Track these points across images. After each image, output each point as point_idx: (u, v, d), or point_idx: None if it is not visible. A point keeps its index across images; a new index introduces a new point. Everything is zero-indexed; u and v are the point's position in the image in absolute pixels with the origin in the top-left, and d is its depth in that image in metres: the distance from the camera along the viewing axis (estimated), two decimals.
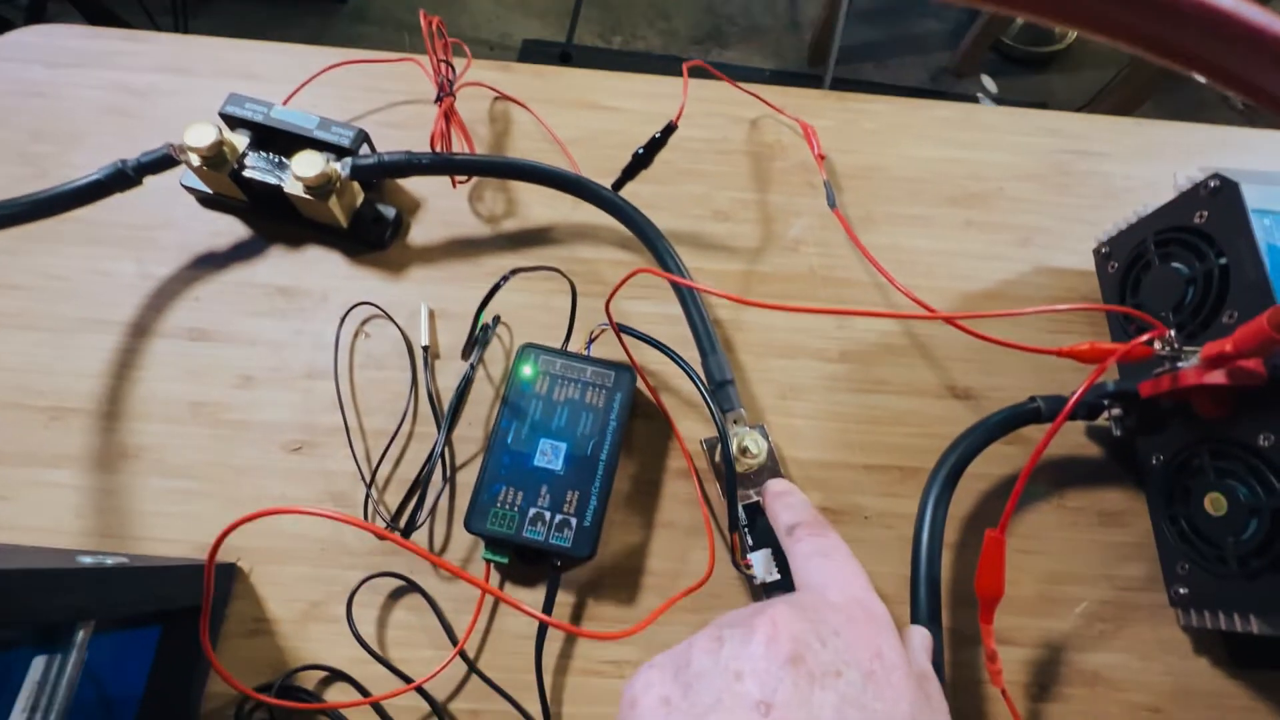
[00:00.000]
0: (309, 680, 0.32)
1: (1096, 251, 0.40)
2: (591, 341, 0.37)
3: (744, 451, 0.33)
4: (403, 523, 0.34)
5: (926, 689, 0.22)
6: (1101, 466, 0.38)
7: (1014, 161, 0.45)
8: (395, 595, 0.33)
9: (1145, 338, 0.29)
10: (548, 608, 0.32)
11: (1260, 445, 0.30)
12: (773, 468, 0.35)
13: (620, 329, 0.35)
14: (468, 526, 0.32)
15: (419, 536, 0.34)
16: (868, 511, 0.36)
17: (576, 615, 0.34)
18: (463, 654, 0.32)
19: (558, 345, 0.36)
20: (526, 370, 0.35)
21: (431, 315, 0.39)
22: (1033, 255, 0.43)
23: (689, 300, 0.36)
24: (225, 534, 0.25)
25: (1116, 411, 0.35)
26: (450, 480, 0.36)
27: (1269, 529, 0.29)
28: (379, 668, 0.32)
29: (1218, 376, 0.29)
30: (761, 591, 0.32)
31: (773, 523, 0.30)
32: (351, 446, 0.35)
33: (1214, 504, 0.31)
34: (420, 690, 0.31)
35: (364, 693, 0.31)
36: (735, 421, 0.35)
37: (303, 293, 0.39)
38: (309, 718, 0.31)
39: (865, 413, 0.38)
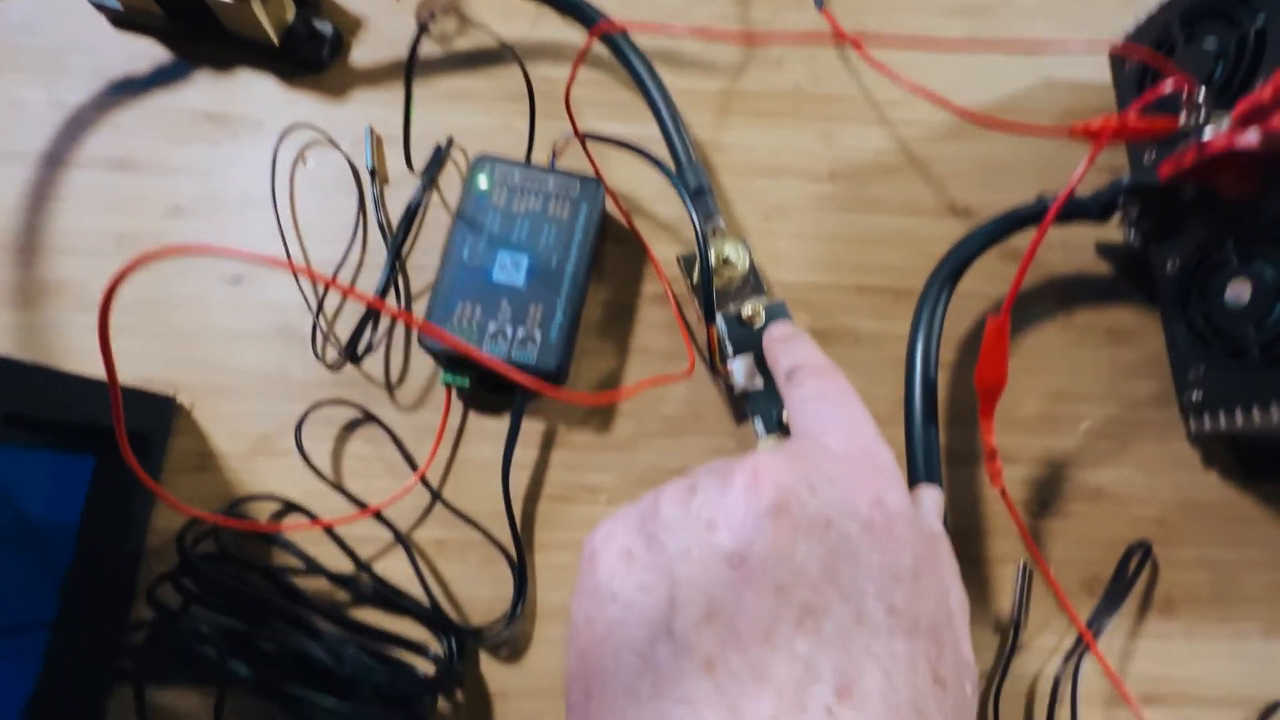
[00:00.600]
0: (260, 514, 0.30)
1: (1112, 55, 0.36)
2: (556, 156, 0.33)
3: (724, 262, 0.30)
4: (358, 351, 0.31)
5: (935, 548, 0.18)
6: (1112, 283, 0.35)
7: None
8: (350, 427, 0.31)
9: (1170, 86, 0.26)
10: (513, 429, 0.29)
11: None
12: (755, 284, 0.32)
13: (586, 135, 0.31)
14: (420, 341, 0.29)
15: (374, 368, 0.32)
16: (859, 334, 0.34)
17: (547, 442, 0.31)
18: (424, 481, 0.30)
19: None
20: (482, 182, 0.31)
21: (377, 139, 0.35)
22: (1043, 67, 0.39)
23: (660, 104, 0.33)
24: (116, 283, 0.22)
25: (1132, 211, 0.32)
26: (406, 310, 0.33)
27: None
28: (335, 499, 0.30)
29: (1250, 139, 0.26)
30: (744, 404, 0.30)
31: (772, 369, 0.27)
32: (296, 276, 0.32)
33: (1236, 291, 0.29)
34: (379, 516, 0.29)
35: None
36: (714, 232, 0.31)
37: (234, 118, 0.35)
38: (261, 549, 0.29)
39: (856, 233, 0.35)
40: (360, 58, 0.37)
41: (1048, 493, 0.32)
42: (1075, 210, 0.31)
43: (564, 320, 0.30)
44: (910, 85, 0.31)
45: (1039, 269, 0.35)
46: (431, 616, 0.28)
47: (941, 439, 0.32)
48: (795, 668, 0.13)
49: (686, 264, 0.33)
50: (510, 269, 0.30)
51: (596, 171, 0.32)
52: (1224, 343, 0.30)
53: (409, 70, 0.32)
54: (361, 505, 0.29)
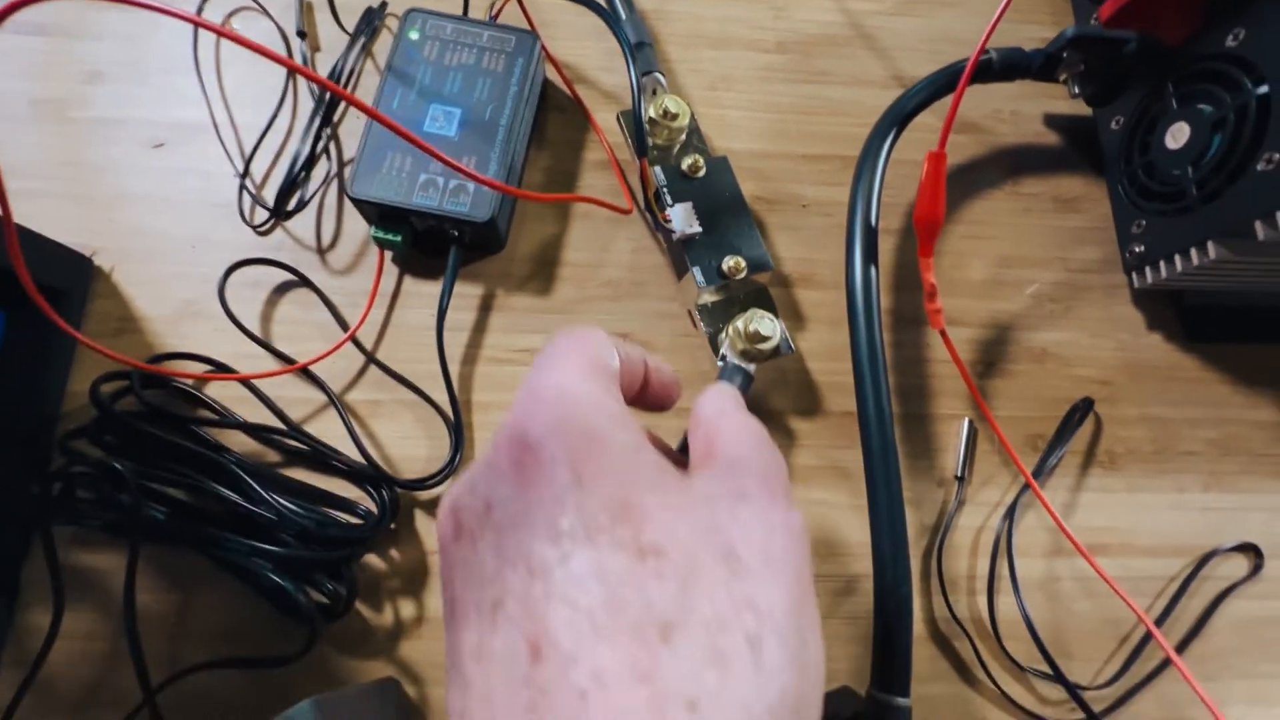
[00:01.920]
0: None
1: None
2: (494, 16, 0.32)
3: (664, 114, 0.30)
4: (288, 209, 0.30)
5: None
6: (1059, 153, 0.35)
7: None
8: (280, 289, 0.30)
9: None
10: (448, 283, 0.29)
11: (1229, 48, 0.26)
12: (698, 142, 0.31)
13: None
14: (350, 192, 0.28)
15: (304, 231, 0.31)
16: (805, 199, 0.33)
17: (485, 305, 0.31)
18: (356, 341, 0.29)
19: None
20: (413, 35, 0.30)
21: (307, 3, 0.33)
22: None
23: None
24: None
25: (1077, 67, 0.31)
26: (338, 176, 0.32)
27: (1232, 135, 0.26)
28: (265, 362, 0.29)
29: None
30: (683, 255, 0.29)
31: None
32: (221, 139, 0.31)
33: (1175, 136, 0.28)
34: (307, 373, 0.28)
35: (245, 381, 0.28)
36: (655, 88, 0.31)
37: None
38: (185, 410, 0.28)
39: (804, 103, 0.35)
40: None
41: (994, 354, 0.32)
42: (1019, 66, 0.31)
43: (499, 170, 0.29)
44: None
45: (988, 139, 0.35)
46: (363, 471, 0.27)
47: (886, 302, 0.32)
48: (494, 669, 0.12)
49: (628, 121, 0.32)
50: (442, 121, 0.29)
51: (531, 26, 0.31)
52: (1163, 189, 0.29)
53: None
54: (290, 361, 0.28)
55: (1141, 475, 0.31)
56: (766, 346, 0.27)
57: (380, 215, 0.29)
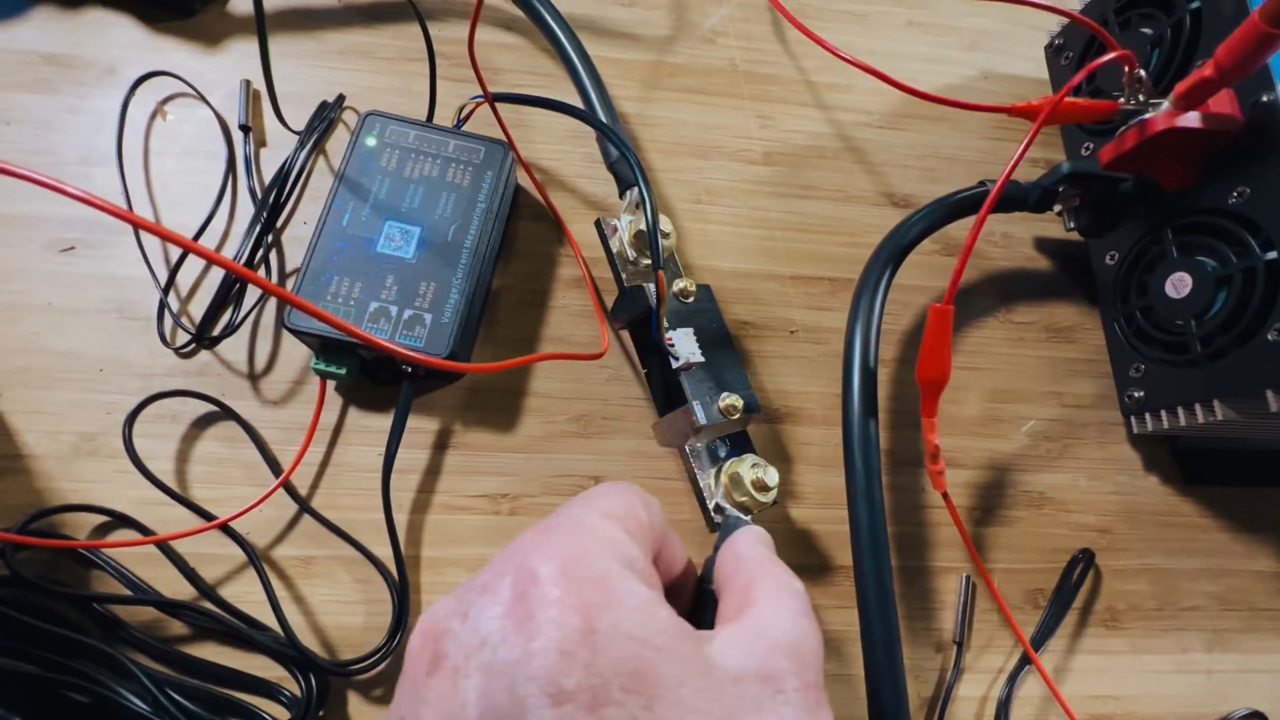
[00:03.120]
0: (79, 530, 0.24)
1: (1048, 48, 0.36)
2: (462, 121, 0.29)
3: (661, 233, 0.27)
4: (215, 333, 0.27)
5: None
6: (1051, 279, 0.34)
7: None
8: (202, 422, 0.26)
9: (1111, 56, 0.24)
10: (397, 424, 0.25)
11: (1231, 204, 0.26)
12: (678, 270, 0.29)
13: (496, 96, 0.28)
14: (287, 323, 0.24)
15: (235, 355, 0.27)
16: (795, 325, 0.31)
17: (440, 442, 0.27)
18: (288, 487, 0.25)
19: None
20: (370, 141, 0.27)
21: (253, 91, 0.30)
22: (980, 60, 0.38)
23: (573, 57, 0.30)
24: None
25: (1072, 201, 0.30)
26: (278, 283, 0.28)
27: (1239, 296, 0.25)
28: (177, 511, 0.25)
29: (1192, 119, 0.25)
30: (678, 383, 0.26)
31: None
32: (141, 245, 0.27)
33: (1176, 285, 0.27)
34: (227, 529, 0.24)
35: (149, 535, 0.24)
36: (638, 204, 0.28)
37: (80, 63, 0.30)
38: (76, 575, 0.24)
39: (792, 219, 0.33)
40: (241, 4, 0.32)
41: (991, 499, 0.30)
42: (1015, 199, 0.30)
43: (459, 300, 0.26)
44: (851, 60, 0.29)
45: (980, 263, 0.33)
46: (287, 650, 0.23)
47: (883, 442, 0.30)
48: None
49: (605, 231, 0.29)
50: (399, 241, 0.26)
51: (506, 135, 0.29)
52: (1164, 338, 0.28)
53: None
54: (208, 517, 0.25)
55: (1144, 635, 0.29)
56: (768, 498, 0.24)
57: (323, 346, 0.25)
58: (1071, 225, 0.31)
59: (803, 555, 0.28)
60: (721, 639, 0.14)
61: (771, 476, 0.24)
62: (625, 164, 0.29)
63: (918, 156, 0.35)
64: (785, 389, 0.30)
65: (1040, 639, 0.28)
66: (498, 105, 0.28)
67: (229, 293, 0.27)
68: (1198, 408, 0.27)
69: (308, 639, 0.24)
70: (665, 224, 0.28)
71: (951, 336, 0.24)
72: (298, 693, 0.23)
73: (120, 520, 0.24)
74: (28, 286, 0.27)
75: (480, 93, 0.27)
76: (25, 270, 0.27)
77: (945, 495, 0.25)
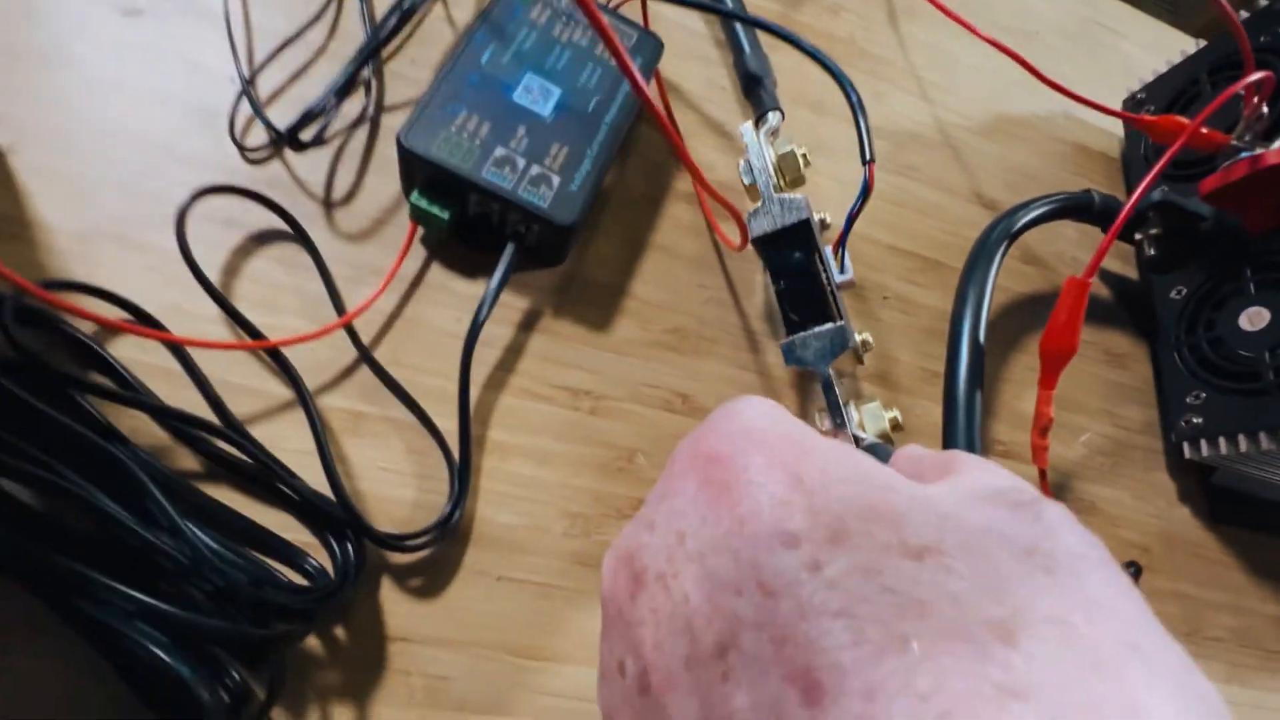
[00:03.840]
0: (85, 324, 0.20)
1: (1129, 100, 0.38)
2: (616, 5, 0.28)
3: (804, 158, 0.26)
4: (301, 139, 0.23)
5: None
6: (1110, 308, 0.35)
7: (1051, 14, 0.43)
8: (262, 239, 0.22)
9: (1257, 77, 0.26)
10: (498, 283, 0.22)
11: None
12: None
13: None
14: (404, 139, 0.21)
15: (314, 170, 0.23)
16: (888, 292, 0.30)
17: (528, 322, 0.24)
18: (350, 330, 0.22)
19: None
20: None
21: None
22: (1063, 102, 0.40)
23: None
24: None
25: (1154, 230, 0.32)
26: (374, 119, 0.25)
27: None
28: (216, 328, 0.21)
29: None
30: (835, 299, 0.24)
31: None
32: (230, 33, 0.24)
33: (1252, 319, 0.29)
34: (276, 355, 0.21)
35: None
36: (775, 132, 0.27)
37: None
38: (71, 369, 0.19)
39: (894, 193, 0.33)
40: None
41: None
42: (1113, 214, 0.31)
43: (591, 171, 0.23)
44: (985, 37, 0.30)
45: (1053, 279, 0.34)
46: (324, 507, 0.19)
47: None
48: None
49: (755, 138, 0.27)
50: (537, 95, 0.24)
51: (648, 28, 0.27)
52: (1233, 368, 0.30)
53: None
54: (256, 335, 0.21)
55: None
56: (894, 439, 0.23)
57: (429, 181, 0.22)
58: (1150, 253, 0.32)
59: None
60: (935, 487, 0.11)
61: (897, 419, 0.23)
62: (762, 84, 0.28)
63: (1005, 169, 0.36)
64: (873, 352, 0.29)
65: None
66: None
67: (327, 102, 0.23)
68: (1262, 435, 0.28)
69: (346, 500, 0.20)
70: (800, 148, 0.26)
71: (1084, 312, 0.24)
72: (328, 568, 0.19)
73: (144, 321, 0.20)
74: (79, 44, 0.22)
75: None
76: (81, 27, 0.22)
77: (1043, 472, 0.25)
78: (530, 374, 0.24)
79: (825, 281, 0.24)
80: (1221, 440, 0.29)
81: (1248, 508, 0.33)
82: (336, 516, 0.19)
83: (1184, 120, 0.26)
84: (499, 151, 0.23)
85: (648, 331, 0.26)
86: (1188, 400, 0.31)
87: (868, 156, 0.23)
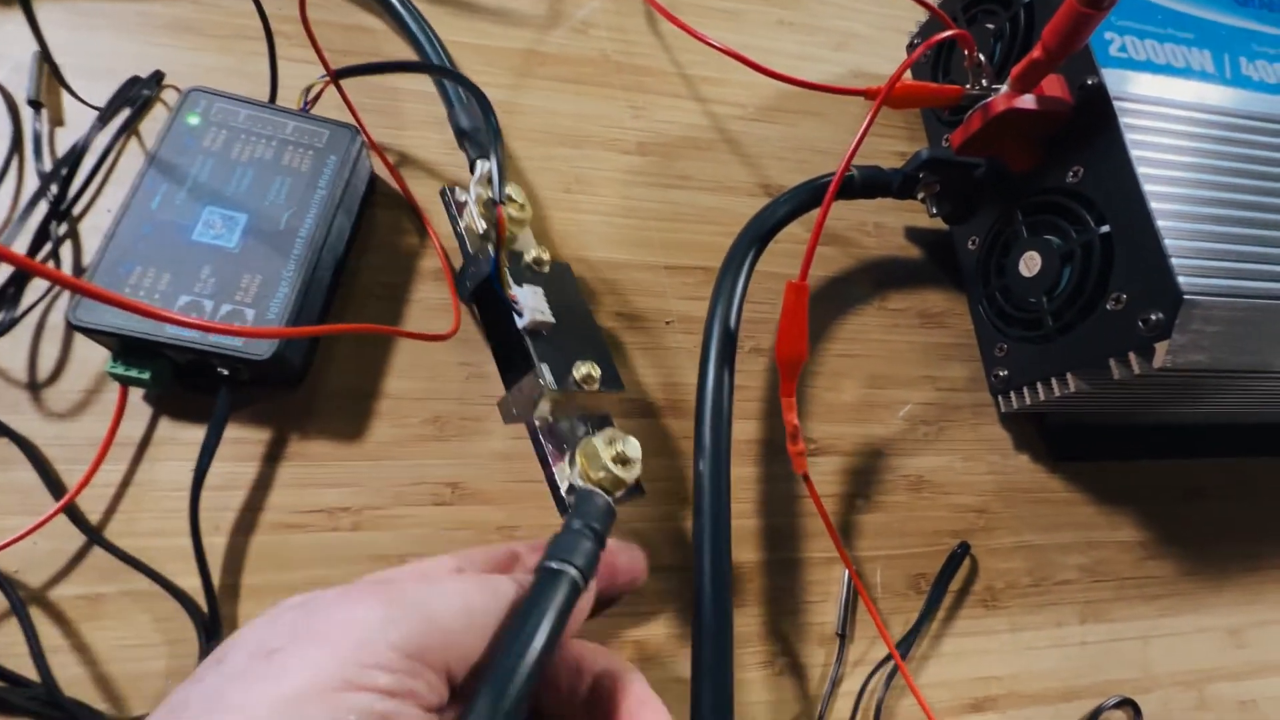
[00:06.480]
0: None
1: (910, 47, 0.37)
2: (310, 103, 0.27)
3: (510, 200, 0.25)
4: None
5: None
6: (922, 267, 0.34)
7: None
8: None
9: (947, 35, 0.25)
10: (212, 433, 0.22)
11: (1069, 183, 0.27)
12: (526, 240, 0.27)
13: (339, 72, 0.25)
14: (73, 318, 0.21)
15: (11, 355, 0.23)
16: (670, 315, 0.30)
17: (271, 454, 0.24)
18: (73, 512, 0.22)
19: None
20: (193, 120, 0.24)
21: (46, 64, 0.27)
22: (849, 60, 0.39)
23: (420, 34, 0.28)
24: None
25: (933, 187, 0.31)
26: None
27: (1081, 270, 0.26)
28: None
29: (1027, 102, 0.26)
30: (526, 351, 0.23)
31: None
32: None
33: (1027, 264, 0.28)
34: None
35: None
36: (486, 181, 0.27)
37: None
38: None
39: (667, 209, 0.32)
40: None
41: (870, 485, 0.29)
42: (879, 184, 0.30)
43: (290, 294, 0.23)
44: (720, 47, 0.29)
45: (854, 252, 0.34)
46: (49, 710, 0.19)
47: (757, 431, 0.29)
48: None
49: (451, 201, 0.27)
50: (220, 228, 0.23)
51: (355, 117, 0.27)
52: (1021, 316, 0.29)
53: None
54: None
55: (1022, 611, 0.29)
56: (629, 475, 0.22)
57: (123, 347, 0.22)
58: (934, 212, 0.32)
59: (685, 558, 0.26)
60: None
61: (633, 448, 0.22)
62: (473, 137, 0.27)
63: (791, 149, 0.35)
64: (663, 381, 0.29)
65: (920, 629, 0.27)
66: (346, 83, 0.26)
67: (6, 287, 0.23)
68: (1054, 381, 0.28)
69: (89, 692, 0.20)
70: (516, 192, 0.26)
71: (808, 314, 0.23)
72: None
73: None
74: None
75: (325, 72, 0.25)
76: None
77: (805, 477, 0.25)
78: (280, 506, 0.24)
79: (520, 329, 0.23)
80: (1026, 390, 0.29)
81: (1086, 441, 0.32)
82: (59, 715, 0.19)
83: (879, 87, 0.25)
84: (183, 300, 0.22)
85: (404, 428, 0.25)
86: (995, 354, 0.31)
87: (498, 199, 0.22)
